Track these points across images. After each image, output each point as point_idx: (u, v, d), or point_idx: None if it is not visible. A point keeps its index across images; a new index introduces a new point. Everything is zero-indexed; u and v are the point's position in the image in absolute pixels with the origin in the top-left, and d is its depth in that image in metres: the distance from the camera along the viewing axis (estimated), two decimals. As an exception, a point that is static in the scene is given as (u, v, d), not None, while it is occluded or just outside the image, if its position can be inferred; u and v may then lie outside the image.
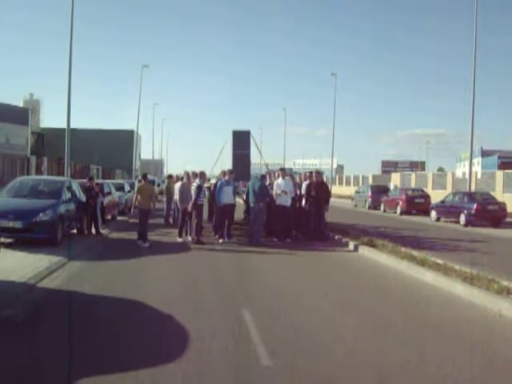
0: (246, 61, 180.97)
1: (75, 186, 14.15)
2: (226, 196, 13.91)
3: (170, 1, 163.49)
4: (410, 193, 28.52)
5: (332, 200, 17.01)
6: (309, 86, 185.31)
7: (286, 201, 13.96)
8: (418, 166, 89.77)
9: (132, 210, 15.55)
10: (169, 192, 18.92)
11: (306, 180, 15.25)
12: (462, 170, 62.88)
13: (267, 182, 15.38)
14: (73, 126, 21.53)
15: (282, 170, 15.03)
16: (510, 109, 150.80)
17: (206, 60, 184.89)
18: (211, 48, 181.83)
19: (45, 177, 21.51)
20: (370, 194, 32.19)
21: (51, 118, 78.68)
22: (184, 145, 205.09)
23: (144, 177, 14.30)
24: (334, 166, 66.67)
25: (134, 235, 13.91)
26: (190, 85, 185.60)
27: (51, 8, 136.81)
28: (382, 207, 29.94)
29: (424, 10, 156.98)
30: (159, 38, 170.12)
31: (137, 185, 14.66)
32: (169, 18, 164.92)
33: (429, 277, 8.88)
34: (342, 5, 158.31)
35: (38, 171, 27.02)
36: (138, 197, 13.29)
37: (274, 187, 14.16)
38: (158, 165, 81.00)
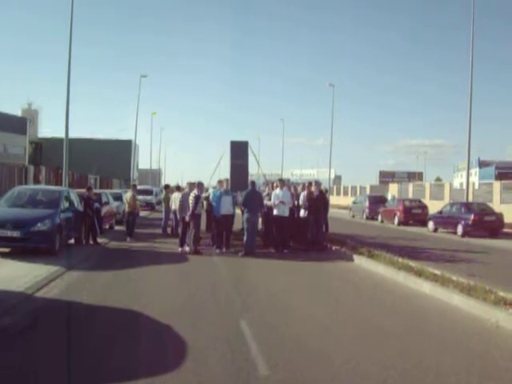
0: (244, 67, 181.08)
1: (73, 196, 14.17)
2: (225, 206, 13.93)
3: (170, 4, 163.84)
4: (407, 203, 28.55)
5: (329, 210, 17.07)
6: (307, 94, 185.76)
7: (284, 211, 13.99)
8: (415, 176, 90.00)
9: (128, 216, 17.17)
10: (167, 202, 18.93)
11: (304, 190, 15.29)
12: (459, 180, 63.07)
13: (265, 193, 15.43)
14: (72, 133, 21.62)
15: (281, 180, 15.09)
16: (508, 119, 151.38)
17: (205, 65, 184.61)
18: (211, 52, 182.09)
19: (43, 186, 21.47)
20: (367, 204, 32.26)
21: (50, 124, 78.81)
22: (183, 153, 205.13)
23: (134, 186, 18.63)
24: (332, 176, 66.76)
25: (132, 246, 14.38)
26: (189, 91, 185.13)
27: (51, 12, 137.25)
28: (379, 218, 29.98)
29: (423, 17, 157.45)
30: (159, 43, 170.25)
31: (130, 194, 17.19)
32: (169, 22, 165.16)
33: (426, 287, 8.90)
34: (342, 11, 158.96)
35: (36, 181, 26.98)
36: (131, 204, 16.69)
37: (272, 197, 14.20)
38: (155, 174, 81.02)
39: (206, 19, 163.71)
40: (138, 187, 33.26)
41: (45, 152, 58.64)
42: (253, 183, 14.55)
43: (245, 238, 13.61)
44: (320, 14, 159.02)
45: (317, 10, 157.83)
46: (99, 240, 14.72)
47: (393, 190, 45.02)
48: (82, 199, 14.50)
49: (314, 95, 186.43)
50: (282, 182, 14.76)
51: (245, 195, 13.91)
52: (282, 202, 13.90)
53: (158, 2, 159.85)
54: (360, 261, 12.25)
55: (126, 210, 17.15)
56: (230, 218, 14.26)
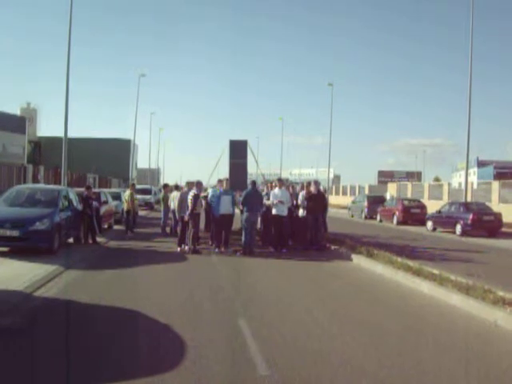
0: (244, 67, 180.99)
1: (72, 195, 14.17)
2: (224, 206, 13.92)
3: (169, 5, 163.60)
4: (406, 203, 28.61)
5: (328, 210, 17.07)
6: (306, 94, 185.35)
7: (283, 210, 14.00)
8: (414, 176, 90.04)
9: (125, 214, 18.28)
10: (165, 201, 18.93)
11: (303, 190, 15.31)
12: (458, 180, 63.13)
13: (264, 192, 15.44)
14: (71, 132, 21.65)
15: (280, 180, 15.12)
16: (507, 119, 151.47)
17: (205, 65, 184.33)
18: (210, 52, 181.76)
19: (42, 185, 21.43)
20: (366, 204, 32.26)
21: (49, 123, 78.57)
22: (182, 152, 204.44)
23: (132, 185, 19.37)
24: (331, 175, 66.79)
25: (131, 245, 14.60)
26: (188, 90, 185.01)
27: (50, 13, 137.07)
28: (378, 217, 30.02)
29: (422, 16, 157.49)
30: (158, 42, 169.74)
31: (128, 193, 18.15)
32: (169, 22, 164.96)
33: (425, 287, 8.92)
34: (341, 11, 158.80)
35: (35, 180, 26.96)
36: (129, 202, 17.55)
37: (271, 197, 14.21)
38: (154, 174, 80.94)
39: (206, 20, 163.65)
40: (137, 186, 33.36)
41: (44, 151, 58.54)
42: (253, 183, 14.52)
43: (243, 237, 13.61)
44: (319, 15, 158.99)
45: (316, 11, 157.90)
46: (98, 239, 14.71)
47: (392, 190, 45.05)
48: (81, 198, 14.50)
49: (312, 95, 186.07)
50: (281, 182, 14.78)
51: (244, 194, 13.90)
52: (281, 202, 13.90)
53: (158, 3, 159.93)
54: (359, 260, 12.26)
55: (125, 208, 17.85)
56: (230, 217, 14.25)
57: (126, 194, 18.16)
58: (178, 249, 13.69)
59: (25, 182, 24.74)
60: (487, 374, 4.97)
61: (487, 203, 26.02)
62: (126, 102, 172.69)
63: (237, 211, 15.10)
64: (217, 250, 13.81)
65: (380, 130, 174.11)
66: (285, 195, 14.18)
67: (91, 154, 56.49)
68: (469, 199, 27.56)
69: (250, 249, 13.39)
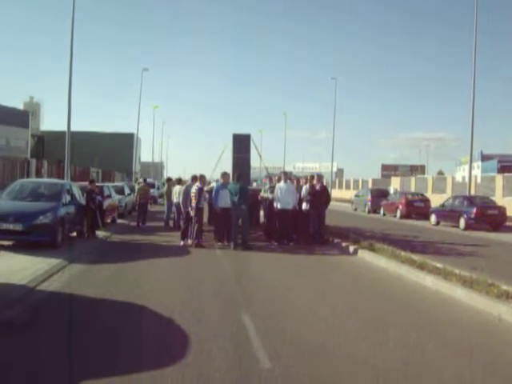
0: (246, 62, 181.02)
1: (75, 189, 14.16)
2: (223, 199, 13.86)
3: (172, 2, 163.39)
4: (409, 197, 28.51)
5: (332, 204, 17.03)
6: (309, 89, 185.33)
7: (288, 204, 13.95)
8: (417, 169, 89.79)
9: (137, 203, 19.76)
10: (169, 195, 18.92)
11: (306, 183, 15.27)
12: (461, 173, 62.89)
13: (267, 186, 15.40)
14: (74, 127, 21.61)
15: (284, 173, 15.04)
16: (510, 113, 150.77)
17: (208, 61, 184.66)
18: (213, 48, 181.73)
19: (45, 179, 21.47)
20: (369, 197, 32.16)
21: (52, 118, 78.59)
22: (185, 147, 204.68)
23: (144, 180, 22.69)
24: (334, 169, 66.66)
25: (134, 239, 14.67)
26: (191, 86, 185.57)
27: (52, 8, 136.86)
28: (381, 211, 29.94)
29: (424, 14, 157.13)
30: (161, 38, 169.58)
31: (137, 186, 20.40)
32: (169, 18, 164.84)
33: (429, 281, 8.89)
34: (343, 7, 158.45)
35: (38, 174, 27.01)
36: (138, 195, 19.39)
37: (276, 190, 14.14)
38: (157, 167, 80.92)
39: (209, 16, 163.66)
40: (139, 180, 33.72)
41: (47, 145, 58.54)
42: (238, 176, 14.19)
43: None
44: (320, 11, 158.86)
45: (318, 7, 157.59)
46: (99, 233, 14.71)
47: (395, 184, 44.99)
48: (85, 192, 14.50)
49: (315, 89, 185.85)
50: (286, 175, 14.71)
51: (232, 189, 13.79)
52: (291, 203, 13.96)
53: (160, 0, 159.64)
54: (362, 254, 12.23)
55: (138, 199, 19.26)
56: (229, 210, 14.16)
57: (141, 188, 19.80)
58: (182, 242, 13.69)
59: (28, 176, 24.80)
60: (491, 368, 4.95)
61: (491, 197, 25.93)
62: (129, 98, 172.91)
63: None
64: (219, 243, 13.79)
65: (383, 124, 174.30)
66: (290, 189, 14.13)
67: (95, 148, 56.49)
68: (472, 193, 27.45)
69: (244, 243, 13.33)
